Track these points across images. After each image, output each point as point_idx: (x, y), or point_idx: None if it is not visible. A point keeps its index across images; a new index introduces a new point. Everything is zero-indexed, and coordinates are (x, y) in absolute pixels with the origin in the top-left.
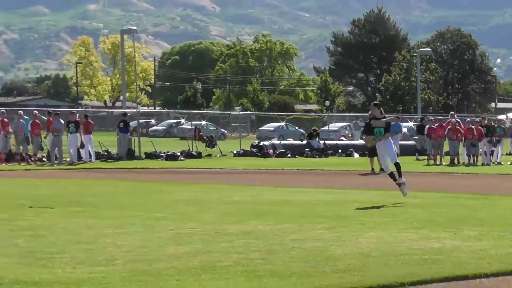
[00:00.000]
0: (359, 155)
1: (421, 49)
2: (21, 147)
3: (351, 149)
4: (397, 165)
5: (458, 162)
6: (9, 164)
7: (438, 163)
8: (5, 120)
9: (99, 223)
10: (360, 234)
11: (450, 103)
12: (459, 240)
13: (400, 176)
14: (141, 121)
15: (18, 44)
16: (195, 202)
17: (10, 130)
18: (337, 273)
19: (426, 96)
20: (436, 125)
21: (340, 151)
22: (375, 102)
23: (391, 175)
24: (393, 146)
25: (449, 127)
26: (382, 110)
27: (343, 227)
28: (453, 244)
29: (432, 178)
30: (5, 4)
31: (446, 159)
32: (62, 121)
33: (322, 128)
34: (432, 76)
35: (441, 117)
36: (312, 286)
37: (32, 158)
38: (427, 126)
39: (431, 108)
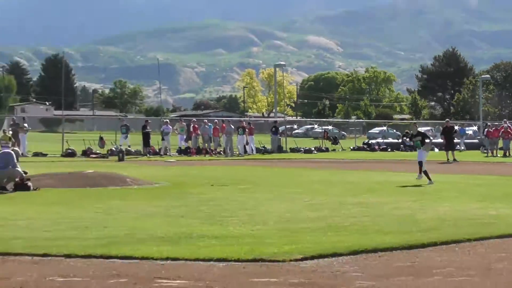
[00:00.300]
0: (438, 150)
1: (482, 76)
2: (206, 144)
3: (433, 145)
4: (419, 163)
5: (509, 154)
6: (198, 155)
7: (494, 156)
8: (196, 126)
9: (258, 196)
10: (438, 205)
11: (503, 113)
12: (510, 209)
13: (419, 172)
14: (287, 126)
15: (204, 75)
16: (324, 182)
17: (199, 132)
18: (421, 232)
19: (486, 109)
20: (493, 129)
21: None
22: (414, 122)
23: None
24: (423, 153)
25: (502, 130)
26: (418, 127)
27: (426, 200)
28: (506, 212)
29: (490, 166)
30: (196, 47)
31: (500, 153)
32: (233, 126)
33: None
34: (490, 94)
35: (497, 123)
36: (404, 240)
37: (214, 152)
38: (486, 129)
39: (489, 117)
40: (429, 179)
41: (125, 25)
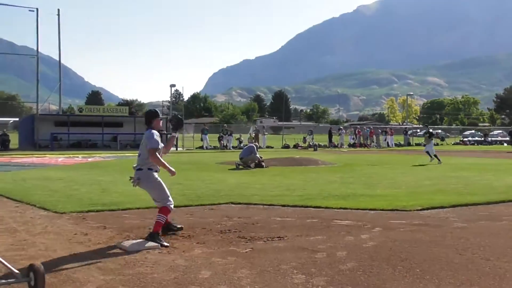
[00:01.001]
0: (507, 144)
1: None
2: (364, 141)
3: (502, 141)
4: (428, 152)
5: None
6: (360, 148)
7: None
8: (359, 130)
9: (395, 171)
10: (507, 177)
11: None
12: None
13: (431, 157)
14: (413, 130)
15: (365, 101)
16: (434, 163)
17: (361, 133)
18: (495, 194)
19: None
20: None
21: (497, 142)
22: (426, 124)
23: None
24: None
25: None
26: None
27: (499, 174)
28: None
29: None
30: (360, 84)
31: None
32: (380, 131)
33: (490, 133)
34: None
35: None
36: (484, 199)
37: (369, 146)
38: None
39: None
40: (431, 157)
41: (317, 73)
